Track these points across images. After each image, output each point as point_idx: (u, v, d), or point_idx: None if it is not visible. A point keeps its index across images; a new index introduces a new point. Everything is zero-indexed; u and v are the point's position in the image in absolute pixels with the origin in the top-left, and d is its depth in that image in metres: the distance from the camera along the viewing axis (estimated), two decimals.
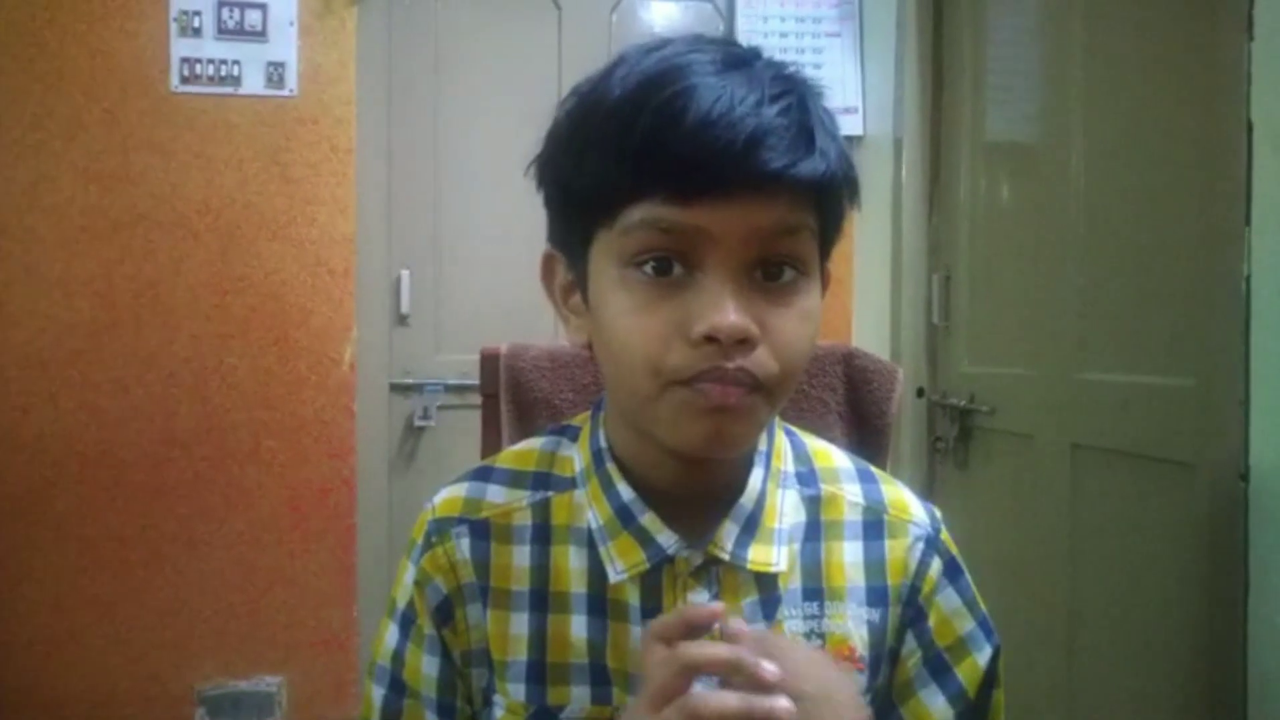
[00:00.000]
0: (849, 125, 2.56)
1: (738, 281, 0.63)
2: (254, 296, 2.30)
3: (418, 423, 2.46)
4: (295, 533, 2.32)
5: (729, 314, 0.62)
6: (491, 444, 1.12)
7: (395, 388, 2.47)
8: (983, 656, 0.77)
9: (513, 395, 1.12)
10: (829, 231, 0.69)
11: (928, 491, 2.33)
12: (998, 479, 2.10)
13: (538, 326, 2.35)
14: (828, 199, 0.67)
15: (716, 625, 0.62)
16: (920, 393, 2.35)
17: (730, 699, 0.58)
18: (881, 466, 1.15)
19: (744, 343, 0.62)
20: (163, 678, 2.27)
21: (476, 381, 1.15)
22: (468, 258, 2.50)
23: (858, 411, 1.11)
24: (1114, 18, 1.72)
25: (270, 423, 2.31)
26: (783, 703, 0.58)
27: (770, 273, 0.65)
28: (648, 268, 0.64)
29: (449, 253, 2.50)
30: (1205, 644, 1.44)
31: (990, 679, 0.77)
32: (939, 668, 0.76)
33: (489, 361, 1.13)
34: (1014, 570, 1.96)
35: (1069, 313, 1.80)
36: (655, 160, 0.62)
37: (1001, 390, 2.07)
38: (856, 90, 2.58)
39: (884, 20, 2.49)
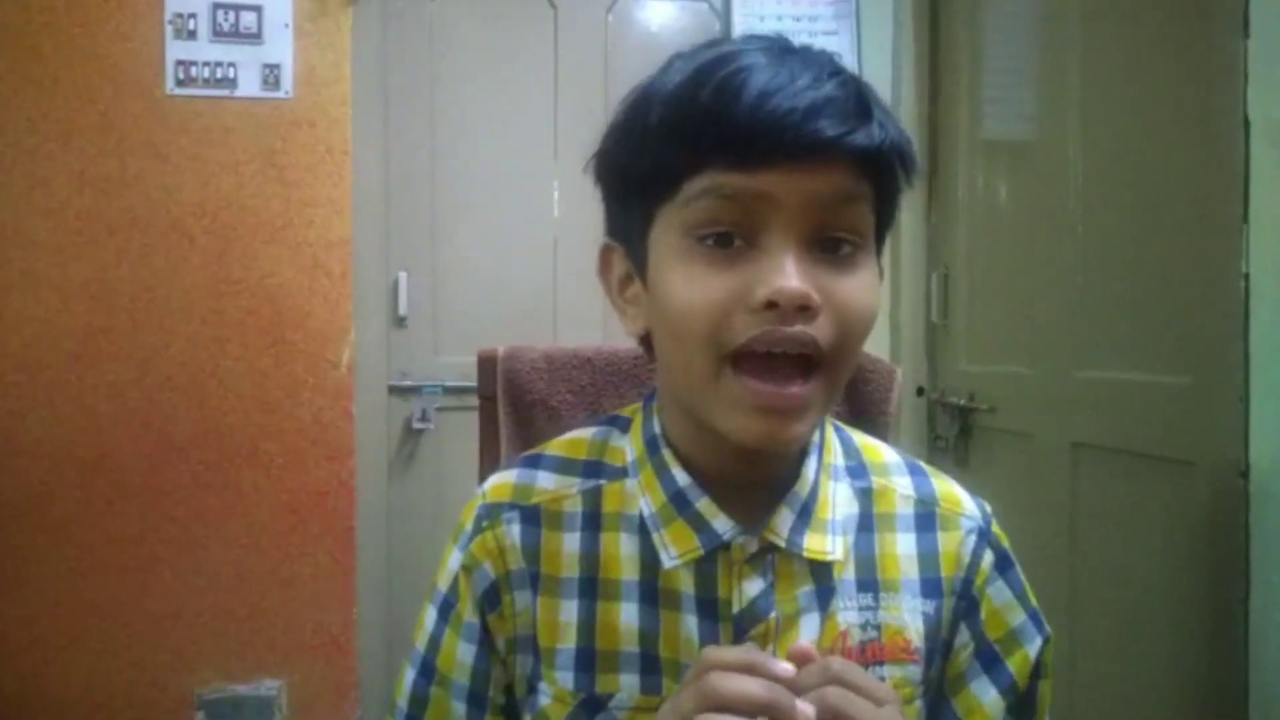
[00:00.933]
0: None
1: (799, 250, 0.64)
2: (251, 299, 2.30)
3: (416, 425, 2.45)
4: (294, 536, 2.32)
5: (791, 278, 0.62)
6: (490, 446, 1.12)
7: (393, 390, 2.46)
8: (1033, 648, 0.77)
9: (510, 397, 1.11)
10: (885, 208, 0.70)
11: None
12: (998, 477, 2.10)
13: (536, 328, 2.35)
14: (885, 171, 0.67)
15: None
16: (920, 391, 2.35)
17: None
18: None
19: (804, 310, 0.63)
20: (162, 682, 2.26)
21: (475, 383, 1.14)
22: (465, 259, 2.49)
23: (856, 411, 1.11)
24: (1110, 16, 1.72)
25: (268, 426, 2.31)
26: None
27: (829, 245, 0.66)
28: (709, 240, 0.65)
29: (446, 254, 2.49)
30: (1206, 641, 1.44)
31: (1038, 670, 0.78)
32: (991, 660, 0.76)
33: (486, 364, 1.13)
34: None
35: (1068, 311, 1.80)
36: (717, 130, 0.63)
37: (1001, 389, 2.07)
38: None
39: (881, 18, 2.49)
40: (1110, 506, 1.70)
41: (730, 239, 0.65)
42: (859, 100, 0.64)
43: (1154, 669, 1.57)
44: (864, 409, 1.10)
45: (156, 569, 2.26)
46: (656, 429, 0.76)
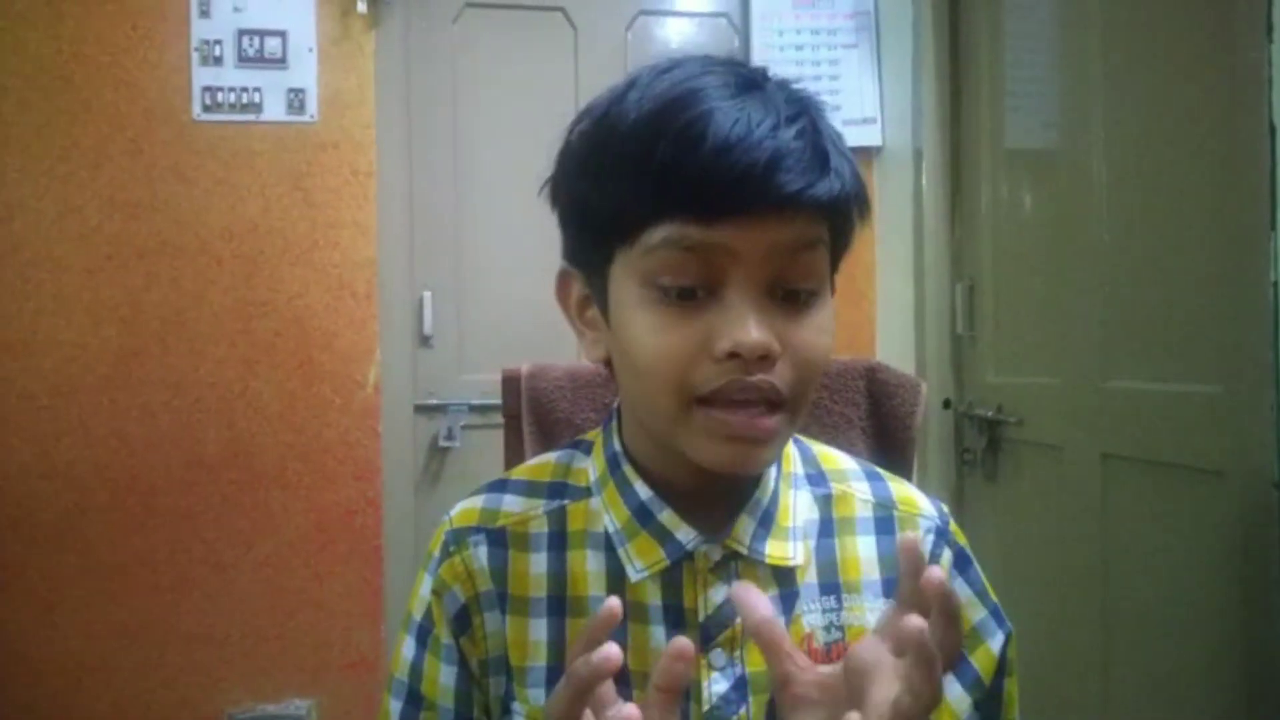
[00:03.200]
0: (867, 136, 2.55)
1: (759, 299, 0.65)
2: (278, 321, 2.32)
3: (442, 443, 2.47)
4: (322, 555, 2.33)
5: (751, 331, 0.63)
6: (515, 465, 1.12)
7: (419, 409, 2.48)
8: (996, 643, 0.78)
9: (534, 416, 1.12)
10: (839, 247, 0.71)
11: (956, 504, 2.30)
12: (1027, 490, 2.08)
13: (560, 346, 2.35)
14: (840, 216, 0.69)
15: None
16: (947, 404, 2.33)
17: None
18: (906, 480, 1.14)
19: (765, 358, 0.64)
20: (193, 702, 2.28)
21: (499, 401, 1.15)
22: (489, 278, 2.51)
23: (881, 426, 1.10)
24: (1132, 23, 1.71)
25: (296, 446, 2.33)
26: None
27: (788, 291, 0.67)
28: (670, 288, 0.66)
29: (470, 273, 2.51)
30: (1241, 654, 1.42)
31: (1003, 667, 0.78)
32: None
33: (510, 383, 1.13)
34: (1046, 582, 1.94)
35: (1095, 320, 1.78)
36: (677, 183, 0.63)
37: (1029, 400, 2.05)
38: (874, 101, 2.58)
39: (900, 30, 2.48)
40: (1141, 518, 1.68)
41: (691, 287, 0.65)
42: (816, 149, 0.65)
43: (1188, 681, 1.55)
44: (889, 424, 1.10)
45: (187, 589, 2.28)
46: (617, 446, 0.78)
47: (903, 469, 1.07)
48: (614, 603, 0.58)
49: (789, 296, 0.67)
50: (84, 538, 2.25)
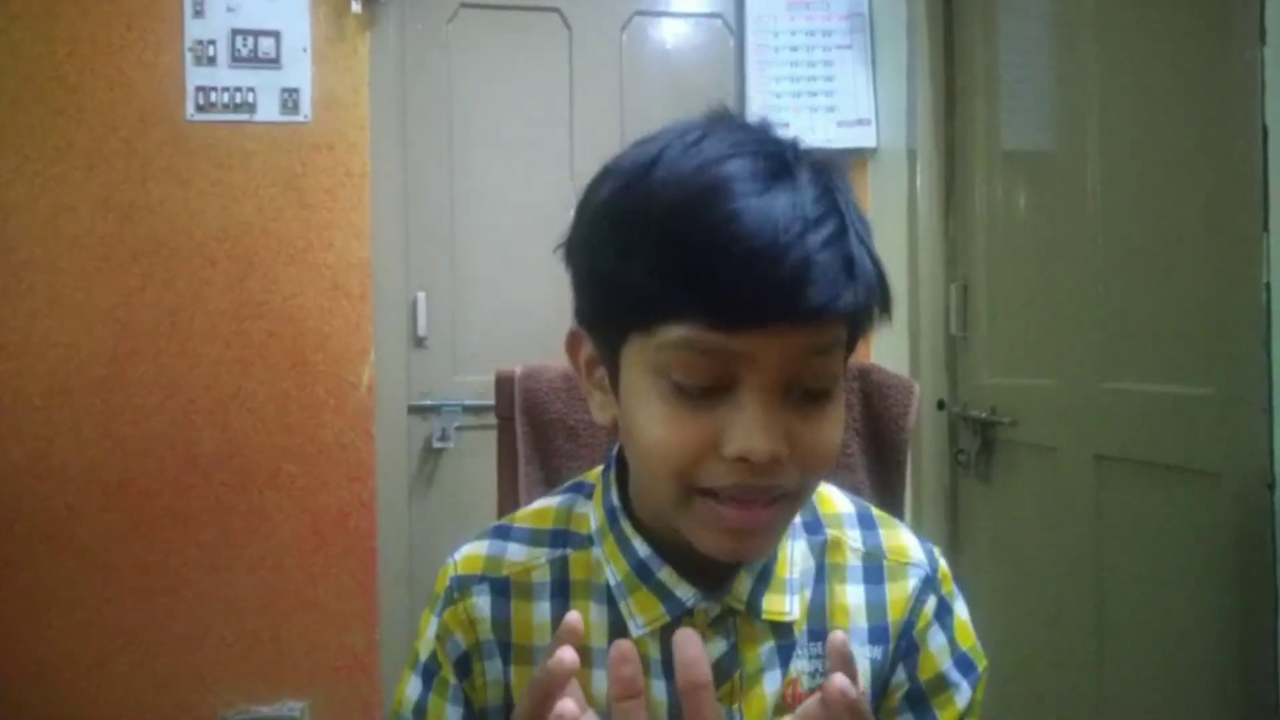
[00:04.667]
0: (862, 137, 2.56)
1: (772, 401, 0.64)
2: (272, 321, 2.32)
3: (436, 444, 2.46)
4: (316, 557, 2.33)
5: (762, 440, 0.62)
6: (508, 466, 1.13)
7: (413, 410, 2.47)
8: (962, 695, 0.78)
9: (528, 417, 1.12)
10: (856, 338, 0.70)
11: (950, 506, 2.31)
12: (1021, 491, 2.08)
13: (554, 348, 2.35)
14: (862, 319, 0.67)
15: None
16: (941, 405, 2.34)
17: None
18: (900, 481, 1.14)
19: (773, 462, 0.63)
20: (187, 704, 2.28)
21: (494, 403, 1.15)
22: (483, 279, 2.51)
23: (874, 427, 1.10)
24: (1126, 25, 1.72)
25: (290, 447, 2.32)
26: None
27: (804, 390, 0.65)
28: (683, 384, 0.64)
29: (465, 274, 2.51)
30: (1236, 655, 1.42)
31: (968, 710, 0.78)
32: (917, 700, 0.78)
33: (504, 384, 1.13)
34: (1039, 584, 1.94)
35: (1089, 322, 1.79)
36: (700, 288, 0.61)
37: (1023, 401, 2.06)
38: (869, 102, 2.58)
39: (895, 31, 2.49)
40: (1135, 519, 1.68)
41: (705, 386, 0.64)
42: (844, 256, 0.63)
43: (1182, 683, 1.55)
44: (883, 425, 1.10)
45: (181, 591, 2.28)
46: (615, 500, 0.77)
47: (896, 470, 1.07)
48: (565, 649, 0.59)
49: (804, 395, 0.65)
50: (78, 539, 2.24)
